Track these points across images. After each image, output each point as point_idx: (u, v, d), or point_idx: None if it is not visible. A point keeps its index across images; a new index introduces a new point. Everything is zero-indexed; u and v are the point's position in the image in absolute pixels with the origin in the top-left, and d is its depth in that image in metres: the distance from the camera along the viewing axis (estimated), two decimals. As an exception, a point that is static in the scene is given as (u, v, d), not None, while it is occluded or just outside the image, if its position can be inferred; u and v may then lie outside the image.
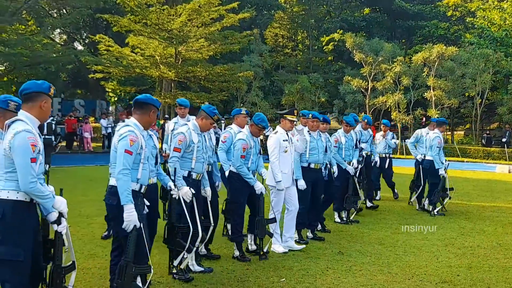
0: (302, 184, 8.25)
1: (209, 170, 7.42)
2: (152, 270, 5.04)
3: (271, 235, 7.73)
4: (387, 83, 35.23)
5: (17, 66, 30.19)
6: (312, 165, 8.49)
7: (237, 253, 7.53)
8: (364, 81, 35.94)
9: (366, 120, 11.62)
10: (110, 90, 41.62)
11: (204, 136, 6.70)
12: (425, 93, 35.31)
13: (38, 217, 4.39)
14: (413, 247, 8.63)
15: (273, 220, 7.72)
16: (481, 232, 10.18)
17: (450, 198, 12.05)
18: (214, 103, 35.22)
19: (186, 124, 6.63)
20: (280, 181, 7.79)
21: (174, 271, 6.24)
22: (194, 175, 6.59)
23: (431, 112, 33.92)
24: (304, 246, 8.18)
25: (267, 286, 6.34)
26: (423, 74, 35.39)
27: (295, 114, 7.99)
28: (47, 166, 5.30)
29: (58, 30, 44.22)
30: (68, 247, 4.58)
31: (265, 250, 7.62)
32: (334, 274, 6.94)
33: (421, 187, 12.09)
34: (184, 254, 6.15)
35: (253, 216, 7.63)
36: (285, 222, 8.09)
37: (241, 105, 35.43)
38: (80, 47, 46.37)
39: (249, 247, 7.78)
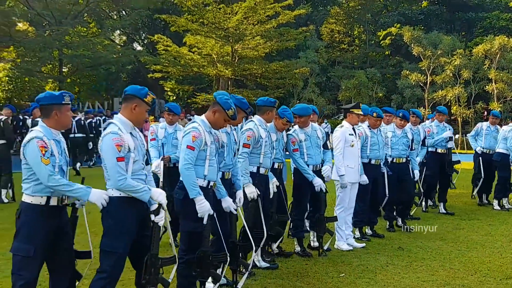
0: (365, 179, 8.19)
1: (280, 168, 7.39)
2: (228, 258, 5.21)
3: (331, 233, 7.71)
4: (447, 77, 34.45)
5: (80, 68, 31.06)
6: (372, 161, 8.41)
7: (298, 248, 7.57)
8: (422, 75, 35.25)
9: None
10: (168, 89, 42.32)
11: (269, 132, 6.73)
12: (487, 86, 34.38)
13: (142, 211, 4.61)
14: (476, 243, 8.47)
15: (334, 218, 7.69)
16: (547, 227, 9.90)
17: None
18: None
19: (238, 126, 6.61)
20: (343, 175, 7.76)
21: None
22: (262, 170, 6.64)
23: (493, 106, 33.00)
24: (364, 244, 8.12)
25: (326, 281, 6.36)
26: (484, 66, 34.46)
27: (360, 108, 8.00)
28: (78, 164, 5.53)
29: (118, 32, 45.15)
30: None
31: (325, 247, 7.60)
32: (394, 270, 6.90)
33: (481, 180, 11.79)
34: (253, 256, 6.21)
35: (314, 213, 7.61)
36: (344, 219, 8.03)
37: (298, 101, 35.36)
38: (139, 48, 47.26)
39: (311, 244, 7.78)
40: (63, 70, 33.95)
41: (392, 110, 10.04)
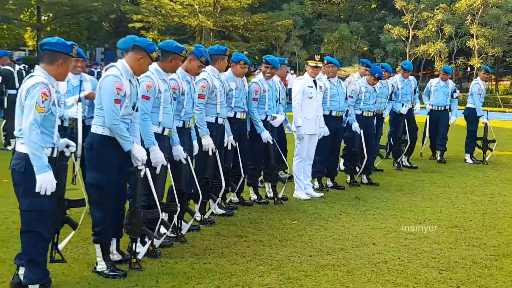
0: (326, 131, 8.33)
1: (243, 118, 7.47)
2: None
3: (283, 181, 7.90)
4: (429, 32, 34.53)
5: (58, 16, 30.65)
6: (333, 113, 8.52)
7: (254, 196, 7.77)
8: (405, 30, 35.23)
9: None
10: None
11: (224, 81, 6.82)
12: (468, 42, 34.47)
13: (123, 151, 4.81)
14: (432, 194, 8.74)
15: (284, 166, 7.87)
16: (505, 180, 10.20)
17: (492, 150, 11.97)
18: (253, 52, 35.23)
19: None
20: (299, 126, 7.91)
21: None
22: (220, 121, 6.74)
23: (474, 61, 33.22)
24: (322, 194, 8.32)
25: (277, 227, 6.58)
26: (467, 22, 34.49)
27: (317, 60, 8.03)
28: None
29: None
30: None
31: (280, 195, 7.80)
32: (347, 218, 7.14)
33: (425, 137, 11.87)
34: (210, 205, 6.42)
35: (265, 164, 7.79)
36: (303, 169, 8.20)
37: (280, 54, 35.26)
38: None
39: (268, 194, 7.96)
40: (43, 18, 33.49)
41: (369, 63, 10.17)
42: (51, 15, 32.38)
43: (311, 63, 7.98)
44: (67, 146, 4.55)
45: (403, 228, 6.73)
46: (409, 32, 35.37)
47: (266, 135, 7.50)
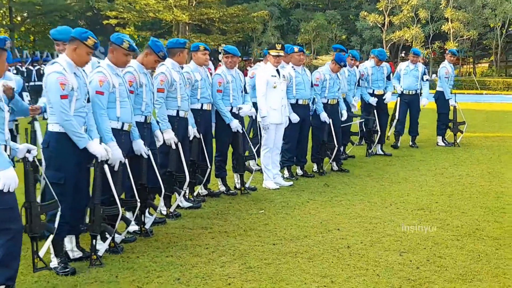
0: (295, 117, 8.36)
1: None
2: (120, 211, 5.08)
3: (250, 171, 7.92)
4: (404, 17, 34.68)
5: (31, 16, 30.38)
6: (300, 101, 8.54)
7: (222, 188, 7.78)
8: (380, 16, 35.32)
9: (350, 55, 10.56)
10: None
11: (182, 74, 6.79)
12: (443, 26, 34.65)
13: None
14: (401, 178, 8.81)
15: (252, 156, 7.88)
16: (475, 161, 10.29)
17: (462, 132, 12.05)
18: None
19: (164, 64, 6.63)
20: (265, 116, 7.92)
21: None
22: (182, 113, 6.72)
23: (450, 45, 33.35)
24: (292, 182, 8.34)
25: (243, 218, 6.59)
26: (441, 6, 34.65)
27: (278, 49, 8.03)
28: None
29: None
30: None
31: (247, 185, 7.81)
32: (313, 205, 7.17)
33: (395, 121, 11.81)
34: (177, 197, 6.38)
35: (233, 154, 7.80)
36: (271, 158, 8.21)
37: (258, 45, 35.30)
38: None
39: (236, 185, 7.96)
40: (16, 18, 33.18)
41: (342, 48, 10.41)
42: (25, 15, 32.01)
43: (273, 52, 7.98)
44: (28, 151, 4.46)
45: (369, 213, 6.77)
46: (384, 19, 35.47)
47: (235, 124, 7.51)
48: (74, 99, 4.79)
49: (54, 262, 4.85)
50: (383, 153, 11.02)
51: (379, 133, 10.66)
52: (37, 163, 4.67)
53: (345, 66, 9.03)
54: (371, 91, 10.96)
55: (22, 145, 4.44)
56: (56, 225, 4.57)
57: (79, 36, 4.83)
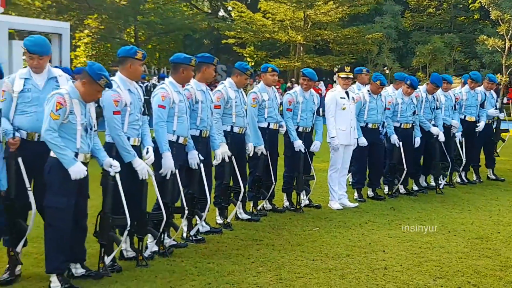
0: (363, 141, 8.51)
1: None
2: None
3: (308, 192, 8.15)
4: (527, 42, 33.03)
5: (154, 34, 32.28)
6: (369, 125, 8.65)
7: (287, 203, 8.07)
8: (501, 40, 33.88)
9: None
10: (247, 55, 42.99)
11: (241, 92, 7.20)
12: None
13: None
14: (473, 207, 8.62)
15: (312, 177, 8.07)
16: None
17: None
18: (344, 65, 35.26)
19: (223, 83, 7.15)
20: (334, 137, 8.13)
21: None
22: (236, 129, 7.12)
23: None
24: (357, 204, 8.45)
25: (296, 233, 6.84)
26: None
27: (348, 71, 8.29)
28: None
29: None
30: None
31: (302, 205, 8.04)
32: (371, 227, 7.26)
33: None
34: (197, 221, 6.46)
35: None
36: (338, 179, 8.37)
37: (372, 67, 35.05)
38: (222, 13, 48.18)
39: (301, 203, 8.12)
40: (141, 37, 35.36)
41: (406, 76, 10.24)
42: (150, 33, 34.10)
43: (342, 74, 8.23)
44: (110, 166, 5.02)
45: (422, 238, 6.77)
46: (505, 43, 33.99)
47: (298, 144, 7.81)
48: (127, 114, 5.33)
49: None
50: (494, 178, 10.88)
51: (463, 161, 10.34)
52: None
53: (413, 87, 8.97)
54: (462, 117, 10.69)
55: (107, 160, 5.03)
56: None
57: (128, 53, 5.39)
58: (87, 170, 4.80)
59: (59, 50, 24.09)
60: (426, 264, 5.81)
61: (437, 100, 9.67)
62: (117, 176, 5.05)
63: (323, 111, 8.23)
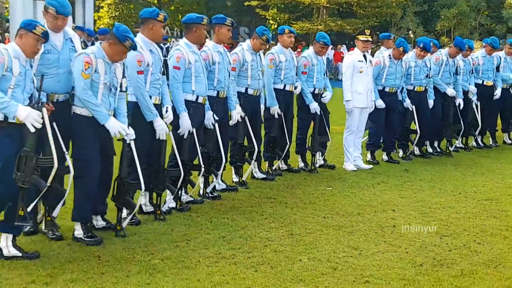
0: (380, 103, 8.62)
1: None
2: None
3: (322, 152, 8.30)
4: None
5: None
6: (386, 89, 8.73)
7: (301, 164, 8.25)
8: (529, 4, 33.31)
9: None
10: (270, 18, 42.78)
11: (259, 55, 7.34)
12: None
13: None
14: (487, 170, 8.76)
15: (327, 138, 8.21)
16: None
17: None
18: (366, 29, 34.99)
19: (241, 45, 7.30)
20: (349, 100, 8.26)
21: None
22: (251, 91, 7.30)
23: None
24: (371, 166, 8.59)
25: (309, 192, 7.05)
26: None
27: (368, 34, 8.37)
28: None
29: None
30: None
31: (317, 165, 8.20)
32: (383, 187, 7.44)
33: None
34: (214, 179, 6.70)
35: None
36: (353, 141, 8.52)
37: (396, 31, 34.72)
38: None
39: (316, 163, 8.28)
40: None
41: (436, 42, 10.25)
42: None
43: (362, 37, 8.30)
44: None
45: (433, 199, 6.94)
46: (533, 7, 33.42)
47: (314, 106, 7.94)
48: (149, 74, 5.52)
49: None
50: (482, 145, 10.76)
51: (479, 125, 10.32)
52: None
53: (427, 50, 8.98)
54: (480, 82, 10.68)
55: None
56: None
57: (151, 15, 5.55)
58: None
59: (82, 11, 24.28)
60: (434, 223, 5.98)
61: (456, 65, 9.71)
62: (132, 144, 5.19)
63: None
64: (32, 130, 4.36)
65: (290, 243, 5.23)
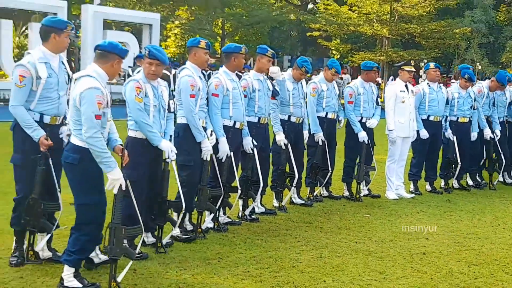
0: (424, 134, 8.73)
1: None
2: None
3: (368, 182, 8.42)
4: None
5: (239, 27, 33.15)
6: (431, 117, 8.83)
7: (346, 193, 8.41)
8: None
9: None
10: (333, 48, 43.13)
11: (300, 84, 7.61)
12: None
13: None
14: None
15: (373, 168, 8.35)
16: None
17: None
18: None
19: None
20: (392, 130, 8.41)
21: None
22: (293, 119, 7.55)
23: None
24: (413, 195, 8.68)
25: (346, 219, 7.22)
26: None
27: (413, 65, 8.57)
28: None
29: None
30: None
31: (361, 194, 8.33)
32: (421, 216, 7.52)
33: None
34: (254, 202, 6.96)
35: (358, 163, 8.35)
36: (395, 170, 8.63)
37: (460, 62, 34.34)
38: (311, 6, 48.54)
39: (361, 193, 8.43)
40: (229, 28, 36.36)
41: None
42: (233, 24, 35.06)
43: (407, 68, 8.47)
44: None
45: (470, 229, 6.98)
46: None
47: (362, 135, 8.13)
48: (199, 98, 5.96)
49: (177, 231, 5.95)
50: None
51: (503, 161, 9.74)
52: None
53: (471, 80, 9.05)
54: None
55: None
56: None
57: (193, 43, 6.00)
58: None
59: (149, 39, 25.36)
60: (466, 252, 6.06)
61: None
62: (174, 164, 5.60)
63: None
64: (115, 191, 4.48)
65: (317, 265, 5.44)
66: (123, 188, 4.49)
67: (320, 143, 7.87)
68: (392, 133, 8.43)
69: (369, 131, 8.32)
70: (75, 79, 4.53)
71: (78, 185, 4.52)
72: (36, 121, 4.88)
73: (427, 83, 8.89)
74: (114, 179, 4.42)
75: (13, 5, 20.24)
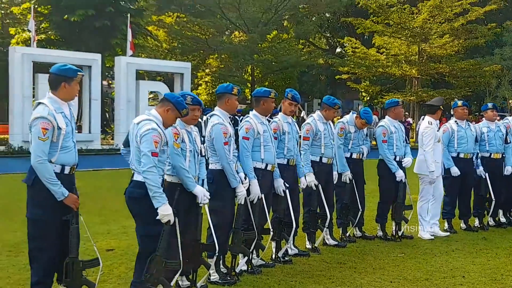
0: (455, 171, 8.69)
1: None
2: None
3: (406, 221, 8.34)
4: None
5: (268, 72, 33.64)
6: (461, 155, 8.80)
7: (380, 233, 8.35)
8: None
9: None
10: (362, 90, 43.30)
11: (329, 124, 7.71)
12: None
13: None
14: None
15: (410, 207, 8.31)
16: None
17: None
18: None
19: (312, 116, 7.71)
20: (433, 171, 8.33)
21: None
22: (325, 160, 7.62)
23: None
24: (448, 233, 8.59)
25: (380, 258, 7.18)
26: None
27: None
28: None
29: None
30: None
31: (400, 233, 8.25)
32: (457, 255, 7.43)
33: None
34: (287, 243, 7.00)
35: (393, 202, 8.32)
36: (431, 208, 8.58)
37: (492, 100, 34.09)
38: (339, 50, 49.06)
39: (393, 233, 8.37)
40: (258, 75, 36.95)
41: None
42: (262, 70, 35.60)
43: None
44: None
45: (507, 266, 6.88)
46: None
47: (400, 174, 8.14)
48: (232, 144, 6.08)
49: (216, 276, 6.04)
50: None
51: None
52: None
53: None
54: None
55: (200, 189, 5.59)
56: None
57: (226, 89, 6.15)
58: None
59: (181, 88, 25.84)
60: (503, 289, 5.98)
61: None
62: (206, 207, 5.73)
63: None
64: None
65: (352, 304, 5.43)
66: (171, 223, 4.86)
67: (348, 181, 7.92)
68: (433, 174, 8.35)
69: (403, 168, 8.31)
70: (136, 123, 4.98)
71: (144, 217, 4.91)
72: (56, 173, 4.76)
73: (455, 121, 8.90)
74: (164, 214, 4.80)
75: (50, 59, 20.84)
